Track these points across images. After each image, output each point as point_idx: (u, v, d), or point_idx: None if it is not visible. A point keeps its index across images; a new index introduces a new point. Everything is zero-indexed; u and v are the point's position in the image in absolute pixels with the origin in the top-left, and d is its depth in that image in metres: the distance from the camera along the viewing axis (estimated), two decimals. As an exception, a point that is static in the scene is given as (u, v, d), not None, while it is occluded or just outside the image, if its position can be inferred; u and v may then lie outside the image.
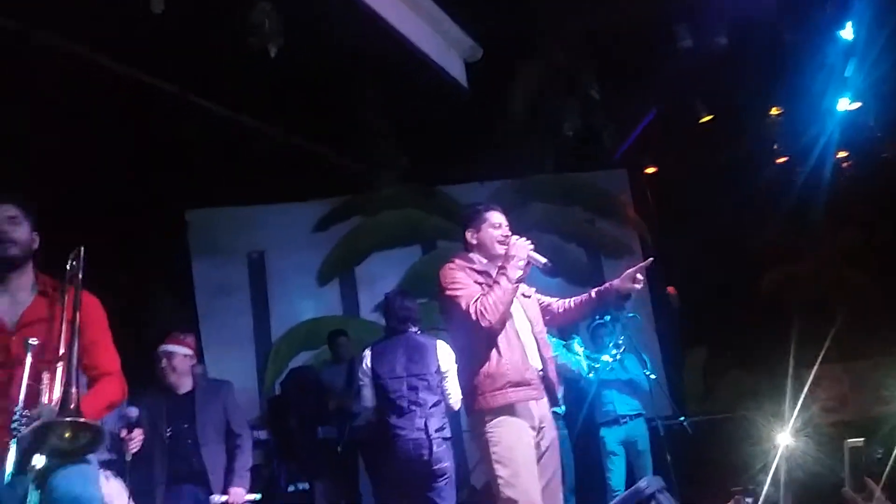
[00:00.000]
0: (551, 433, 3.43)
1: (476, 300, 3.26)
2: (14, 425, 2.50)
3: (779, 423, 6.26)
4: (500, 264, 3.38)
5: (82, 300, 2.79)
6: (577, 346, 5.98)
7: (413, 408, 4.58)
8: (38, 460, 2.49)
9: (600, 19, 5.78)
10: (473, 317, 3.24)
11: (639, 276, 3.49)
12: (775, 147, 7.29)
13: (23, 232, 2.83)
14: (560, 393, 5.40)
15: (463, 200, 8.37)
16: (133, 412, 3.73)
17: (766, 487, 5.90)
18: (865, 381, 7.21)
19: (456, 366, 4.53)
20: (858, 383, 7.29)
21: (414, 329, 4.82)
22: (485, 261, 3.51)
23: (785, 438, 6.18)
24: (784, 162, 7.62)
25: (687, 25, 5.91)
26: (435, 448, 4.50)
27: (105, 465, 3.61)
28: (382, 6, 5.20)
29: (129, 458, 3.69)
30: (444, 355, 4.69)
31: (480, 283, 3.37)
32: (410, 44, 5.48)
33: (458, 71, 6.07)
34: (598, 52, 6.14)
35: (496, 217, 3.57)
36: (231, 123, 6.53)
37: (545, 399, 3.41)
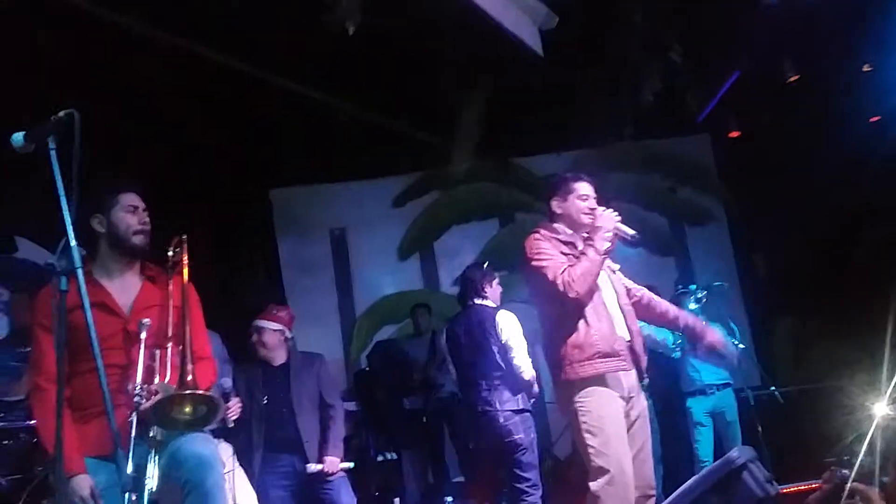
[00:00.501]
0: (641, 403, 3.43)
1: (563, 271, 3.25)
2: (137, 399, 2.62)
3: (874, 393, 6.05)
4: (586, 235, 3.36)
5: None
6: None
7: (479, 381, 4.63)
8: (159, 432, 2.64)
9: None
10: (561, 287, 3.23)
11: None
12: (866, 106, 6.95)
13: (147, 222, 2.94)
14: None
15: (540, 172, 8.32)
16: (227, 383, 3.87)
17: (860, 458, 5.74)
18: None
19: (523, 339, 4.60)
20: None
21: (478, 301, 4.82)
22: (570, 231, 3.47)
23: (881, 408, 5.98)
24: (876, 121, 7.26)
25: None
26: (503, 421, 4.52)
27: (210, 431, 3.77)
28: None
29: (230, 424, 3.85)
30: (506, 326, 4.65)
31: (566, 254, 3.35)
32: (484, 13, 5.44)
33: (533, 39, 5.99)
34: (678, 12, 5.95)
35: (584, 187, 3.50)
36: (310, 101, 6.63)
37: (633, 371, 3.40)
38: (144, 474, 2.57)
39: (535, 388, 4.64)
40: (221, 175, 6.88)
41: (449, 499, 4.84)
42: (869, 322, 6.82)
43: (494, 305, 4.85)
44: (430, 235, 8.21)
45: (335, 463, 4.49)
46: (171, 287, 2.91)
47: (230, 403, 3.87)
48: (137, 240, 2.90)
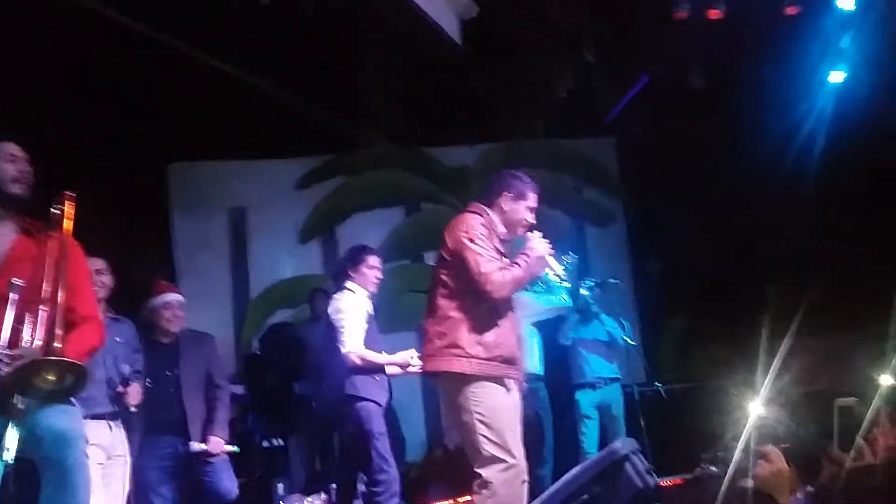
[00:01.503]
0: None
1: (494, 270, 3.21)
2: None
3: (752, 393, 6.33)
4: (523, 252, 3.34)
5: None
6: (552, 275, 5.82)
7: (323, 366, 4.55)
8: (20, 401, 2.45)
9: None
10: (486, 286, 3.19)
11: None
12: (767, 118, 7.26)
13: (28, 171, 2.81)
14: (536, 358, 5.39)
15: (450, 163, 8.32)
16: (127, 368, 3.76)
17: (736, 454, 5.99)
18: (838, 354, 7.29)
19: (355, 321, 4.30)
20: (831, 356, 7.36)
21: (337, 288, 4.57)
22: (504, 230, 3.44)
23: (756, 407, 6.26)
24: (775, 134, 7.60)
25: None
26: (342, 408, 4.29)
27: (111, 416, 3.68)
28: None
29: (133, 409, 3.73)
30: (334, 308, 4.41)
31: (497, 251, 3.32)
32: (406, -1, 5.38)
33: (453, 28, 5.97)
34: (594, 14, 6.05)
35: (534, 200, 3.47)
36: (217, 75, 6.39)
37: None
38: (2, 445, 2.39)
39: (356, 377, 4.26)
40: (119, 143, 6.54)
41: (334, 486, 4.75)
42: (750, 325, 7.14)
43: (355, 290, 4.50)
44: (333, 220, 8.06)
45: (219, 444, 4.34)
46: (50, 244, 2.72)
47: (129, 388, 3.69)
48: (16, 188, 2.76)
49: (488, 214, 3.41)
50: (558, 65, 6.27)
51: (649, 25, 6.18)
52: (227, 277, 7.81)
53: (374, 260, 4.51)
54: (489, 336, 3.25)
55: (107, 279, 3.86)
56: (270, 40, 5.92)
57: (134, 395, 3.73)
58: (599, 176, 8.47)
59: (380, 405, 4.28)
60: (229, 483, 4.37)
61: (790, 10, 5.97)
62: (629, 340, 5.98)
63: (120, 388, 3.69)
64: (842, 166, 7.03)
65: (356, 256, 4.54)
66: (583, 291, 5.87)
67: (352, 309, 4.32)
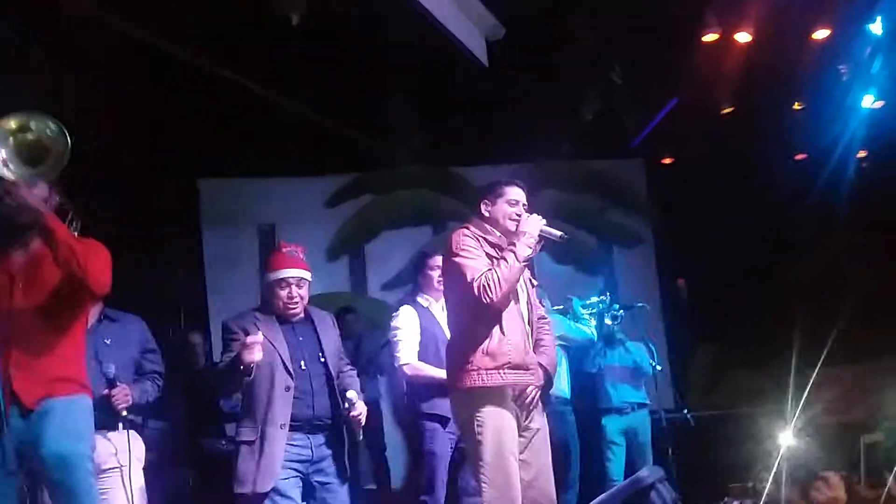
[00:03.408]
0: (540, 423, 3.37)
1: (482, 274, 3.18)
2: None
3: (782, 422, 6.22)
4: (501, 244, 3.29)
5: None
6: (581, 309, 5.77)
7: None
8: None
9: (627, 4, 5.71)
10: (476, 291, 3.16)
11: None
12: (796, 143, 7.20)
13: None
14: (565, 382, 5.27)
15: (477, 182, 8.31)
16: (111, 370, 3.40)
17: (767, 485, 5.88)
18: (870, 383, 7.15)
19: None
20: (863, 385, 7.22)
21: None
22: (499, 234, 3.40)
23: (787, 438, 6.15)
24: (804, 158, 7.52)
25: (714, 16, 5.81)
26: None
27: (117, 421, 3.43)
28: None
29: (122, 412, 3.40)
30: (391, 326, 4.42)
31: (491, 257, 3.27)
32: (433, 18, 5.41)
33: (479, 48, 6.00)
34: (621, 36, 6.05)
35: (514, 192, 3.43)
36: (249, 93, 6.47)
37: (538, 387, 3.35)
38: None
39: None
40: (151, 160, 6.65)
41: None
42: (782, 353, 7.05)
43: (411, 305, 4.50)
44: (361, 238, 8.09)
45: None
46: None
47: (115, 392, 3.37)
48: None
49: (474, 226, 3.40)
50: (585, 87, 6.26)
51: (678, 48, 6.16)
52: (258, 293, 7.82)
53: (433, 261, 4.34)
54: (494, 343, 3.21)
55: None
56: (300, 60, 5.99)
57: (121, 397, 3.40)
58: (627, 197, 8.41)
59: (443, 422, 4.09)
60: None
61: (819, 34, 5.91)
62: (656, 366, 5.90)
63: (105, 391, 3.36)
64: (874, 191, 6.93)
65: (419, 260, 4.55)
66: (607, 321, 5.82)
67: (403, 324, 4.30)
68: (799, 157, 7.50)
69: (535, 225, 3.28)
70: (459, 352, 3.28)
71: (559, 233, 3.32)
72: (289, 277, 3.56)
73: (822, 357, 6.65)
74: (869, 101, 6.55)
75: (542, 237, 3.31)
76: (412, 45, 5.82)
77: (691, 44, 6.07)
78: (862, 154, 7.21)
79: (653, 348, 6.03)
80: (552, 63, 6.21)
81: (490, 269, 3.20)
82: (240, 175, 7.75)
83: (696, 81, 6.65)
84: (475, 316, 3.25)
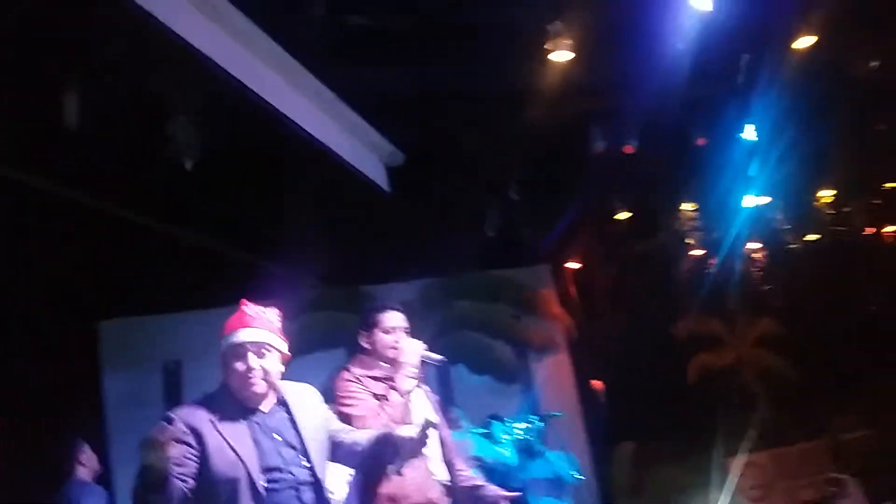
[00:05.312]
0: None
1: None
2: None
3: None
4: (389, 375, 3.17)
5: None
6: (502, 434, 5.73)
7: None
8: None
9: (516, 124, 5.93)
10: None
11: None
12: (691, 241, 7.53)
13: None
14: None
15: (388, 301, 8.28)
16: None
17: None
18: (789, 467, 7.30)
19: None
20: (782, 470, 7.37)
21: None
22: (386, 365, 3.24)
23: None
24: (700, 255, 7.86)
25: (600, 130, 6.11)
26: None
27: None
28: (301, 117, 5.21)
29: None
30: None
31: (378, 395, 3.13)
32: (330, 150, 5.49)
33: (378, 175, 6.10)
34: (516, 156, 6.28)
35: (389, 319, 3.28)
36: (145, 231, 6.35)
37: None
38: None
39: None
40: (46, 305, 6.37)
41: None
42: (702, 445, 7.13)
43: None
44: (273, 367, 7.87)
45: None
46: None
47: None
48: None
49: (355, 365, 3.27)
50: (485, 205, 6.44)
51: (570, 162, 6.43)
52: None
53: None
54: (394, 485, 3.03)
55: None
56: (196, 194, 5.93)
57: None
58: (537, 303, 8.54)
59: None
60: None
61: (699, 141, 6.30)
62: (576, 475, 5.87)
63: None
64: (766, 281, 7.28)
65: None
66: (526, 437, 5.78)
67: None
68: (695, 253, 7.83)
69: (413, 353, 3.19)
70: (365, 500, 3.12)
71: (439, 357, 3.25)
72: (246, 342, 2.67)
73: (741, 445, 6.78)
74: (751, 200, 6.94)
75: (424, 363, 3.22)
76: (314, 177, 5.86)
77: (584, 156, 6.33)
78: (752, 246, 7.60)
79: (572, 457, 6.01)
80: (451, 184, 6.36)
81: (377, 414, 3.04)
82: (142, 313, 7.52)
83: (592, 191, 6.92)
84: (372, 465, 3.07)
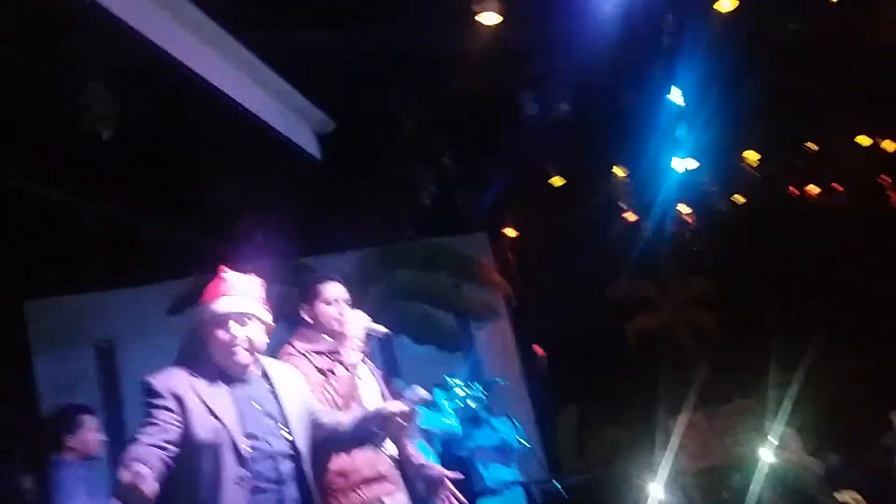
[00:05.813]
0: None
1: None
2: None
3: (650, 476, 6.37)
4: (333, 349, 3.12)
5: None
6: (444, 401, 5.73)
7: None
8: None
9: (448, 87, 5.88)
10: None
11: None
12: (623, 205, 7.61)
13: None
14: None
15: (327, 271, 8.18)
16: None
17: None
18: (726, 424, 7.48)
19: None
20: (720, 428, 7.55)
21: None
22: (330, 339, 3.18)
23: (657, 491, 6.29)
24: (633, 218, 7.95)
25: (531, 93, 6.10)
26: None
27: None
28: (227, 84, 5.06)
29: None
30: None
31: (323, 370, 3.08)
32: (258, 118, 5.36)
33: (310, 143, 5.99)
34: (448, 120, 6.23)
35: (330, 289, 3.21)
36: (70, 208, 6.12)
37: (403, 493, 3.19)
38: None
39: None
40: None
41: None
42: (643, 406, 7.27)
43: None
44: (212, 342, 7.72)
45: None
46: None
47: None
48: None
49: (299, 340, 3.16)
50: (418, 172, 6.39)
51: (503, 126, 6.41)
52: (99, 415, 7.28)
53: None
54: (343, 460, 2.98)
55: None
56: (123, 167, 5.73)
57: None
58: (476, 271, 8.55)
59: None
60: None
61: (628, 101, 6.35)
62: (522, 441, 5.92)
63: None
64: (696, 243, 7.41)
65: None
66: (471, 404, 5.79)
67: None
68: (628, 216, 7.92)
69: (358, 325, 3.15)
70: (317, 477, 2.97)
71: (384, 329, 3.21)
72: (230, 312, 2.58)
73: (680, 404, 6.93)
74: (680, 163, 7.04)
75: (369, 336, 3.19)
76: (244, 147, 5.73)
77: (514, 121, 6.31)
78: (683, 209, 7.72)
79: (517, 424, 6.05)
80: (384, 152, 6.29)
81: (323, 389, 3.01)
82: (69, 292, 7.27)
83: (525, 155, 6.92)
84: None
